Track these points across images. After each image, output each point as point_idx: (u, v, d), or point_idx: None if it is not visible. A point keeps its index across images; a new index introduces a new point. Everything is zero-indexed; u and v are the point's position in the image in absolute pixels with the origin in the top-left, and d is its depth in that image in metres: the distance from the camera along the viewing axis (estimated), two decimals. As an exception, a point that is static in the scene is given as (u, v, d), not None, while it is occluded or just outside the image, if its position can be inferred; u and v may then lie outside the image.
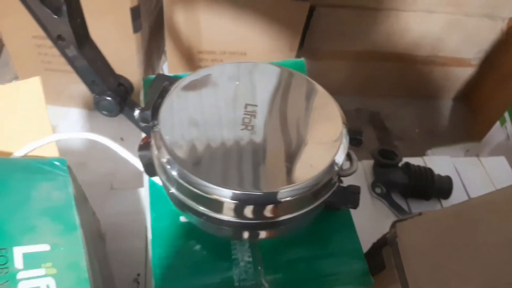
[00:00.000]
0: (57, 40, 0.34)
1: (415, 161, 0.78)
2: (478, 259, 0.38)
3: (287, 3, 0.92)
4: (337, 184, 0.37)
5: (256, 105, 0.39)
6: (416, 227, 0.45)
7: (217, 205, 0.35)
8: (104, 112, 0.36)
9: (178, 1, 0.94)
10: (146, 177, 0.52)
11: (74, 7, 0.32)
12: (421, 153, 0.99)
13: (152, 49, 1.09)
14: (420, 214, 0.46)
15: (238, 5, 0.92)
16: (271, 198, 0.34)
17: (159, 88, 0.38)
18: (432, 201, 0.76)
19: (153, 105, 0.37)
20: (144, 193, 0.63)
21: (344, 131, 0.38)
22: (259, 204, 0.35)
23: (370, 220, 0.71)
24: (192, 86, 0.40)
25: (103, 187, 0.68)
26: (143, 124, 0.38)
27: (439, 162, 0.80)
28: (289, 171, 0.35)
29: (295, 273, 0.41)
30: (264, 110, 0.39)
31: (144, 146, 0.40)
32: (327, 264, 0.42)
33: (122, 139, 1.08)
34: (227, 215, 0.36)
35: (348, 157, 0.40)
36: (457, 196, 0.76)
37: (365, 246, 0.47)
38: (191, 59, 1.05)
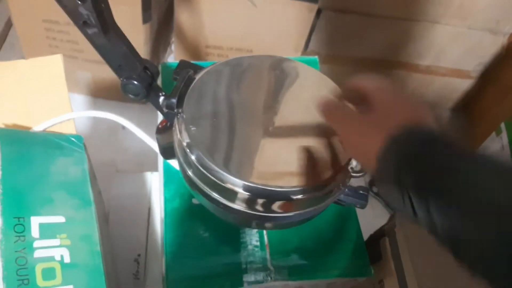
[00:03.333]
0: (83, 26, 0.35)
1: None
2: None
3: (296, 3, 0.94)
4: (348, 184, 0.38)
5: (279, 101, 0.40)
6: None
7: (229, 194, 0.36)
8: (131, 96, 0.37)
9: (189, -4, 0.95)
10: (150, 161, 0.53)
11: (98, -8, 0.33)
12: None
13: (159, 40, 1.10)
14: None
15: (247, 3, 0.94)
16: (284, 195, 0.35)
17: (185, 76, 0.39)
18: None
19: (178, 93, 0.38)
20: (149, 177, 0.64)
21: None
22: (271, 199, 0.35)
23: (365, 217, 0.73)
24: (216, 76, 0.41)
25: (108, 169, 0.68)
26: (166, 110, 0.39)
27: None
28: (305, 170, 0.36)
29: (299, 259, 0.42)
30: (286, 107, 0.40)
31: (162, 129, 0.41)
32: (331, 253, 0.43)
33: (123, 127, 1.10)
34: (239, 205, 0.37)
35: None
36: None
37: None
38: (197, 53, 1.06)
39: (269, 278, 0.41)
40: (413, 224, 0.46)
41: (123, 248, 0.58)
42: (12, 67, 0.44)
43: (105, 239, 0.51)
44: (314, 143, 0.38)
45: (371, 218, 0.74)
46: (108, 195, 0.62)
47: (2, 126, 0.42)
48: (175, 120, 0.39)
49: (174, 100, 0.38)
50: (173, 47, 1.15)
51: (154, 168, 0.55)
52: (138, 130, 0.44)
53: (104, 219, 0.56)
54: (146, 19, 0.95)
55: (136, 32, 0.97)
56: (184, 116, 0.38)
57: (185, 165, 0.39)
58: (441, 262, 0.41)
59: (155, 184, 0.62)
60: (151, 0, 0.95)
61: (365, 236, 0.52)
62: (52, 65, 0.45)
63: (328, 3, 1.01)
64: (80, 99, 1.10)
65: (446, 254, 0.40)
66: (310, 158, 0.37)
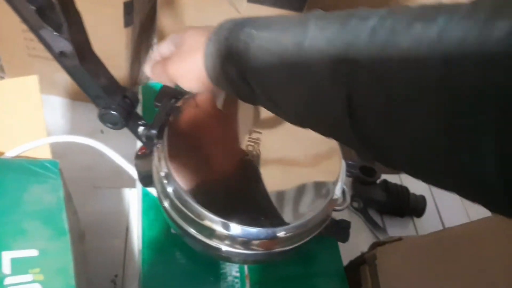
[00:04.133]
0: (60, 56, 0.34)
1: (392, 178, 0.81)
2: (455, 287, 0.40)
3: (280, 11, 0.93)
4: (330, 218, 0.38)
5: (260, 132, 0.40)
6: (396, 251, 0.47)
7: (206, 230, 0.36)
8: (109, 125, 0.36)
9: (171, 1, 0.93)
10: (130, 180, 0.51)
11: (74, 23, 0.32)
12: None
13: (141, 44, 1.08)
14: (400, 239, 0.48)
15: (232, 8, 0.92)
16: (263, 234, 0.35)
17: (166, 105, 0.38)
18: (406, 218, 0.79)
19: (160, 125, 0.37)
20: (127, 193, 0.63)
21: (343, 167, 0.39)
22: (250, 237, 0.35)
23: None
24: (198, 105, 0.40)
25: (84, 185, 0.67)
26: (145, 140, 0.38)
27: (414, 181, 0.83)
28: (286, 208, 0.36)
29: (279, 290, 0.42)
30: (267, 138, 0.40)
31: (142, 156, 0.40)
32: (311, 283, 0.43)
33: (102, 131, 1.07)
34: (216, 242, 0.36)
35: (342, 191, 0.40)
36: (429, 215, 0.79)
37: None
38: (180, 58, 1.04)
39: (248, 309, 0.41)
40: (397, 256, 0.46)
41: (99, 267, 0.57)
42: (-16, 87, 0.42)
43: (81, 260, 0.50)
44: (296, 178, 0.38)
45: (350, 235, 0.74)
46: (85, 210, 0.60)
47: (-27, 151, 0.40)
48: (155, 149, 0.38)
49: (154, 132, 0.37)
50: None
51: (133, 179, 0.54)
52: (118, 157, 0.42)
53: (79, 239, 0.54)
54: (128, 22, 0.93)
55: (117, 35, 0.95)
56: (164, 146, 0.37)
57: (161, 196, 0.38)
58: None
59: (133, 201, 0.60)
60: (134, 3, 0.92)
61: (343, 254, 0.52)
62: (27, 86, 0.43)
63: (313, 10, 1.00)
64: (57, 101, 1.07)
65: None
66: (293, 195, 0.37)
